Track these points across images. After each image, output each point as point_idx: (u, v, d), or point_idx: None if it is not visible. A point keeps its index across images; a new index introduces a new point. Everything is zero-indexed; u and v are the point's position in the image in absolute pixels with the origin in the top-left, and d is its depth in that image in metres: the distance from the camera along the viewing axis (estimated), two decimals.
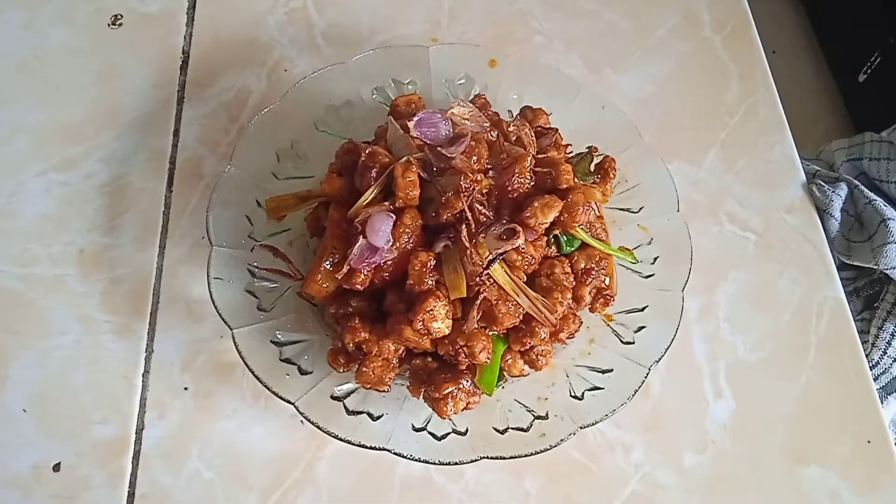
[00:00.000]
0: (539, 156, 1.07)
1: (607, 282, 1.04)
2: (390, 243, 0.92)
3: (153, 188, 1.20)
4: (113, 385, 1.06)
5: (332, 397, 0.95)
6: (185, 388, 1.06)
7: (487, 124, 1.08)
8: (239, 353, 0.94)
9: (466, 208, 0.91)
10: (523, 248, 0.94)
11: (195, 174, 1.20)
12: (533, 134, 1.11)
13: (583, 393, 0.97)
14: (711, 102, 1.33)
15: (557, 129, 1.13)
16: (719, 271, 1.18)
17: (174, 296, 1.12)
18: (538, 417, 0.95)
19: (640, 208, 1.11)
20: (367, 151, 0.96)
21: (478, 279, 0.91)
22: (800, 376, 1.10)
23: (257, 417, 1.04)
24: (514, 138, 1.10)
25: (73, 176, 1.20)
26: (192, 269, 1.11)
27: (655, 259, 1.06)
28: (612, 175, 1.09)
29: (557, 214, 0.95)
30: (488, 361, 0.92)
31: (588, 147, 1.17)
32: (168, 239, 1.15)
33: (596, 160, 1.15)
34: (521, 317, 0.94)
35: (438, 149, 0.94)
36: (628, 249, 1.07)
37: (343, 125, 1.15)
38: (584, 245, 1.02)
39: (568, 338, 1.00)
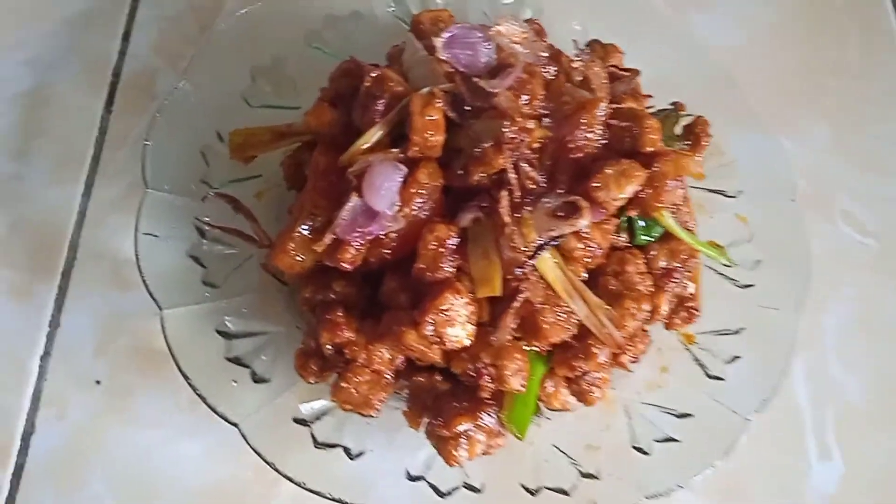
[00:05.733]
0: (614, 105, 0.82)
1: (691, 289, 0.84)
2: (396, 207, 0.73)
3: (87, 105, 1.00)
4: None
5: (296, 420, 0.77)
6: (98, 382, 0.86)
7: (545, 54, 0.84)
8: (167, 342, 0.75)
9: (510, 167, 0.73)
10: (586, 233, 0.75)
11: (145, 93, 1.00)
12: (605, 75, 0.85)
13: (650, 444, 0.79)
14: (822, 61, 1.13)
15: (639, 72, 0.88)
16: (829, 285, 0.97)
17: (97, 252, 0.92)
18: (586, 476, 0.77)
19: (738, 192, 0.91)
20: (373, 74, 0.80)
21: (518, 272, 0.72)
22: None
23: (193, 429, 0.85)
24: (580, 78, 0.85)
25: None
26: (127, 217, 0.86)
27: (757, 263, 0.87)
28: (704, 142, 0.88)
29: (638, 188, 0.76)
30: (522, 390, 0.74)
31: (672, 103, 0.92)
32: (98, 175, 0.96)
33: (682, 121, 0.91)
34: (573, 330, 0.76)
35: (475, 80, 0.76)
36: (720, 246, 0.86)
37: (344, 43, 0.96)
38: (665, 236, 0.83)
39: (632, 362, 0.81)
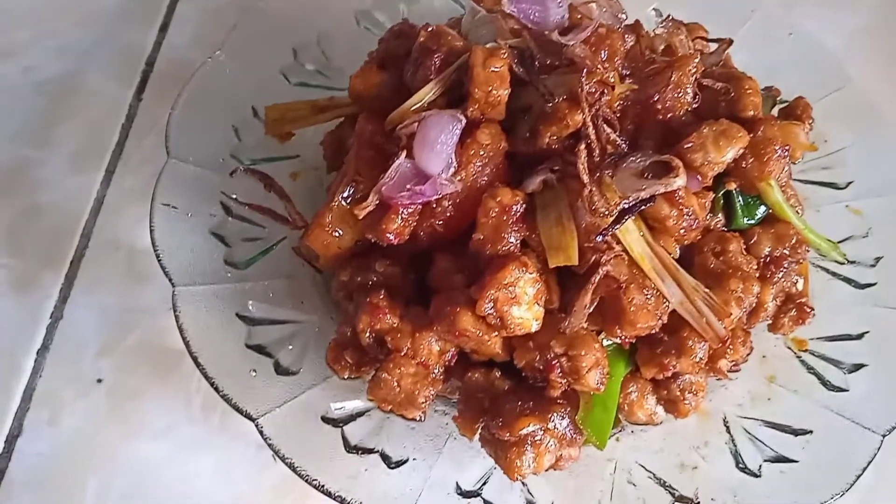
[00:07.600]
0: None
1: (800, 285, 0.73)
2: (452, 168, 0.64)
3: (115, 92, 0.95)
4: None
5: (325, 419, 0.68)
6: (99, 381, 0.78)
7: (624, 16, 0.77)
8: (178, 323, 0.67)
9: (589, 122, 0.63)
10: (681, 198, 0.64)
11: (178, 82, 0.89)
12: (691, 44, 0.78)
13: (760, 466, 0.67)
14: None
15: (730, 41, 0.78)
16: None
17: (112, 241, 0.86)
18: (680, 500, 0.66)
19: (848, 183, 0.83)
20: (429, 30, 0.73)
21: (598, 239, 0.61)
22: None
23: (206, 440, 0.77)
24: (663, 47, 0.78)
25: (9, 66, 0.96)
26: (148, 207, 0.77)
27: (877, 260, 0.78)
28: (807, 124, 0.78)
29: (738, 154, 0.66)
30: (601, 389, 0.63)
31: (766, 87, 0.82)
32: (121, 162, 0.90)
33: (780, 106, 0.82)
34: (663, 318, 0.65)
35: (546, 33, 0.68)
36: (831, 241, 0.75)
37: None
38: (769, 219, 0.72)
39: (731, 370, 0.70)
